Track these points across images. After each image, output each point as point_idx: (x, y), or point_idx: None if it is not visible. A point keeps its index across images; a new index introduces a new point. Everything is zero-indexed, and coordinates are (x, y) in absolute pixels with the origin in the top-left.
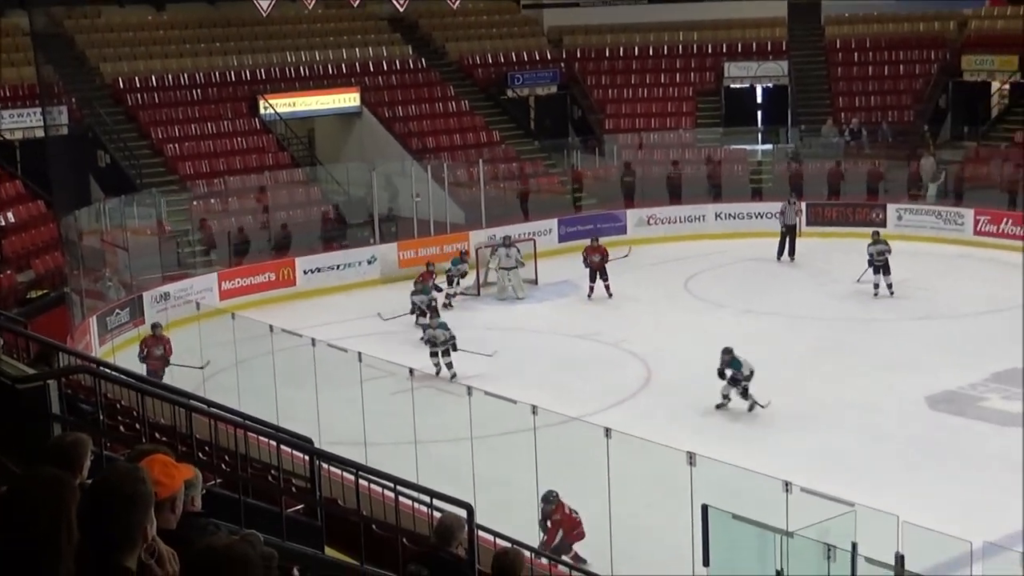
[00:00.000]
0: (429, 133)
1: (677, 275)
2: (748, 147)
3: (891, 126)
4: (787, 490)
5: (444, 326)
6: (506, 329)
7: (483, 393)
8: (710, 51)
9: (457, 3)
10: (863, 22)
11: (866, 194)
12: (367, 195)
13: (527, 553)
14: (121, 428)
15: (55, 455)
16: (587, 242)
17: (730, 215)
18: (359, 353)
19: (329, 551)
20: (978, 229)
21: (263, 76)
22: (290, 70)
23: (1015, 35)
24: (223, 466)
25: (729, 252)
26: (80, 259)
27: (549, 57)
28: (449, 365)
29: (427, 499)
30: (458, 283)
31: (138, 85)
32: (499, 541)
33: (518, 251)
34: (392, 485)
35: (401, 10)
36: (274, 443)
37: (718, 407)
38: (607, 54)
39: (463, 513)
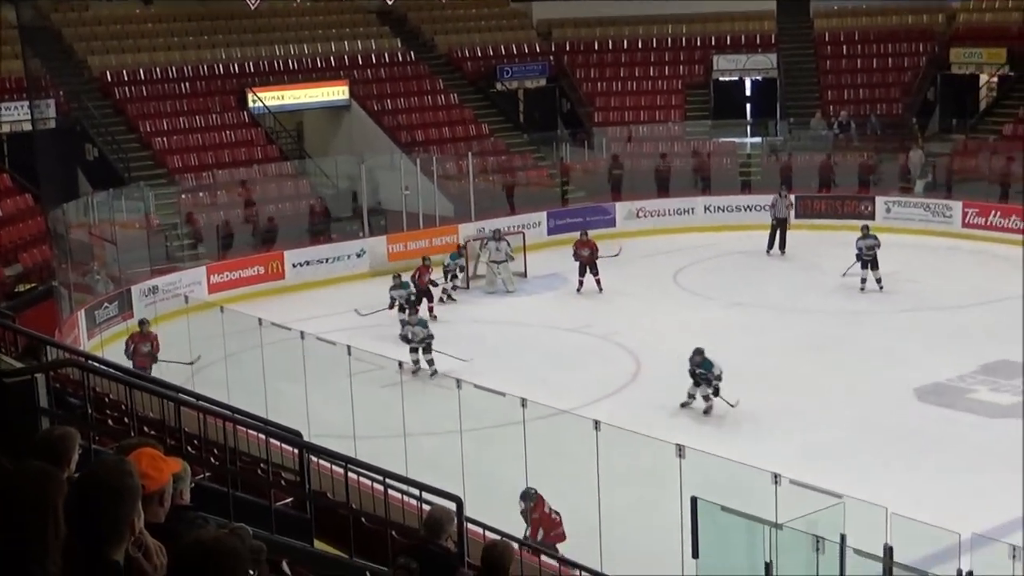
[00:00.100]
0: (418, 126)
1: (666, 268)
2: (737, 140)
3: (880, 119)
4: (776, 482)
5: (423, 323)
6: (495, 322)
7: (472, 386)
8: (699, 44)
9: None
10: (852, 15)
11: (857, 186)
12: (349, 188)
13: (516, 546)
14: (109, 422)
15: (43, 449)
16: (577, 235)
17: (719, 208)
18: (348, 346)
19: (318, 544)
20: (966, 221)
21: (251, 69)
22: (278, 63)
23: (1003, 28)
24: (212, 459)
25: (718, 245)
26: (68, 253)
27: (538, 50)
28: (430, 362)
29: (416, 492)
30: (454, 277)
31: (126, 78)
32: (488, 534)
33: (508, 244)
34: (381, 478)
35: (390, 3)
36: (263, 436)
37: (683, 406)
38: (596, 47)
39: (452, 506)
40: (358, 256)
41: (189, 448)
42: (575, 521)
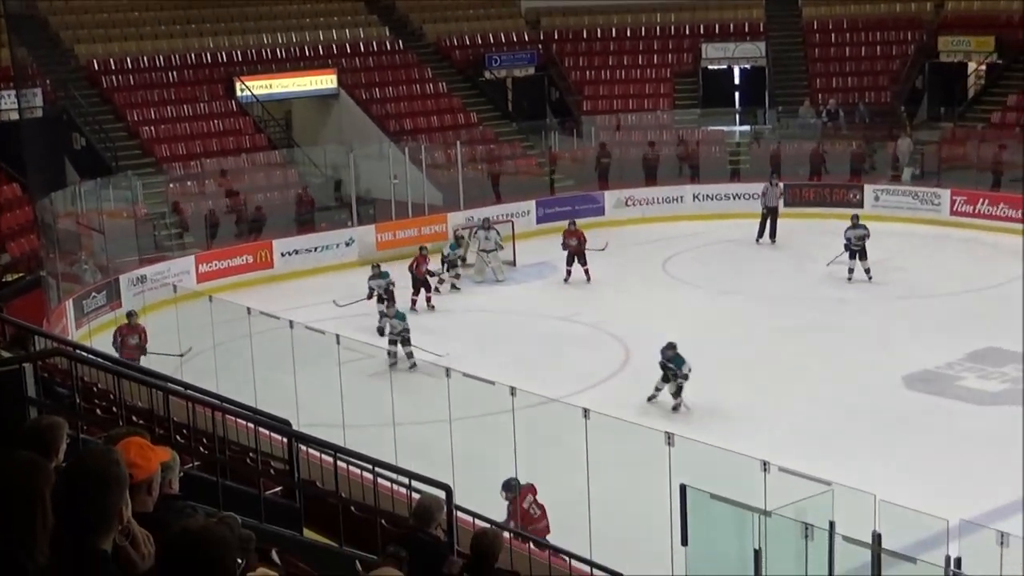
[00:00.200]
0: (407, 115)
1: (655, 256)
2: (726, 128)
3: (868, 107)
4: (765, 469)
5: (401, 316)
6: (485, 311)
7: (461, 375)
8: (687, 32)
9: None
10: (840, 3)
11: (849, 175)
12: (335, 177)
13: (506, 534)
14: (98, 411)
15: (30, 439)
16: (565, 224)
17: (708, 196)
18: (337, 335)
19: (308, 533)
20: (955, 209)
21: (239, 58)
22: (267, 52)
23: (991, 16)
24: (201, 449)
25: (707, 234)
26: (56, 242)
27: (527, 38)
28: (409, 355)
29: (406, 481)
30: (453, 266)
31: (113, 67)
32: (478, 522)
33: (497, 233)
34: (371, 467)
35: None
36: (252, 425)
37: (649, 399)
38: (584, 35)
39: (442, 494)
40: (347, 245)
41: (178, 437)
42: (564, 508)
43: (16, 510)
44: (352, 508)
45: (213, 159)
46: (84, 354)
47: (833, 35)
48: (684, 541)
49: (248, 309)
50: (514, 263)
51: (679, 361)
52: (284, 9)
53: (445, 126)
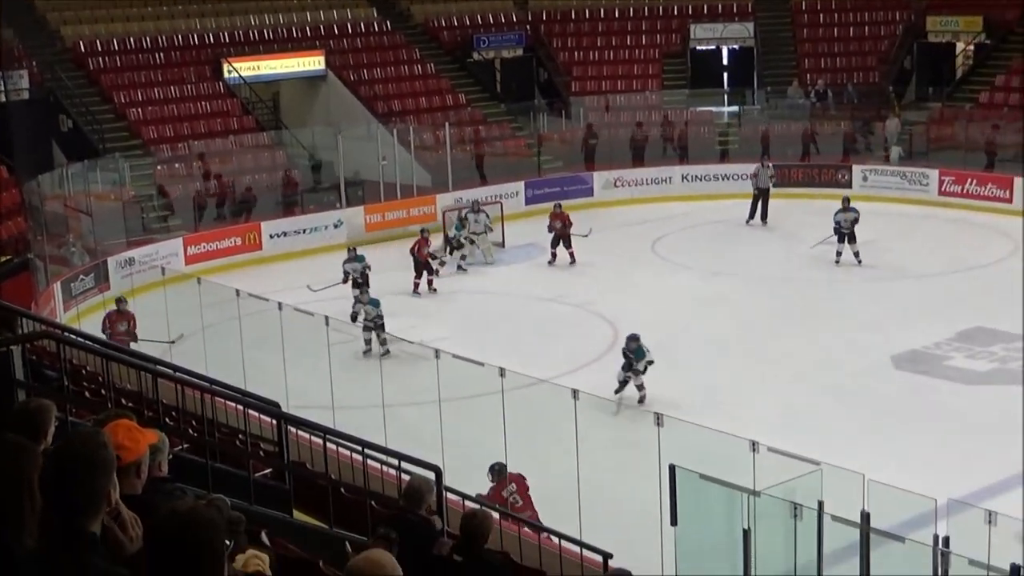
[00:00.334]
0: (395, 96)
1: (644, 237)
2: (714, 109)
3: (856, 87)
4: (754, 450)
5: (375, 303)
6: (474, 292)
7: (451, 356)
8: (676, 13)
9: None
10: None
11: (842, 155)
12: (315, 159)
13: (495, 515)
14: (86, 394)
15: (19, 421)
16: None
17: (697, 177)
18: (326, 317)
19: (297, 515)
20: (943, 189)
21: (226, 39)
22: (254, 33)
23: None
24: (190, 431)
25: (696, 214)
26: (43, 225)
27: (515, 19)
28: (383, 342)
29: (395, 462)
30: (460, 246)
31: (100, 49)
32: (467, 503)
33: (487, 216)
34: (360, 448)
35: None
36: (241, 407)
37: (616, 392)
38: (573, 16)
39: (431, 476)
40: (335, 227)
41: (167, 420)
42: (553, 489)
43: (4, 493)
44: (342, 490)
45: (201, 141)
46: (72, 336)
47: (821, 15)
48: (673, 521)
49: (237, 291)
50: (503, 244)
51: (640, 353)
52: None
53: (433, 107)
